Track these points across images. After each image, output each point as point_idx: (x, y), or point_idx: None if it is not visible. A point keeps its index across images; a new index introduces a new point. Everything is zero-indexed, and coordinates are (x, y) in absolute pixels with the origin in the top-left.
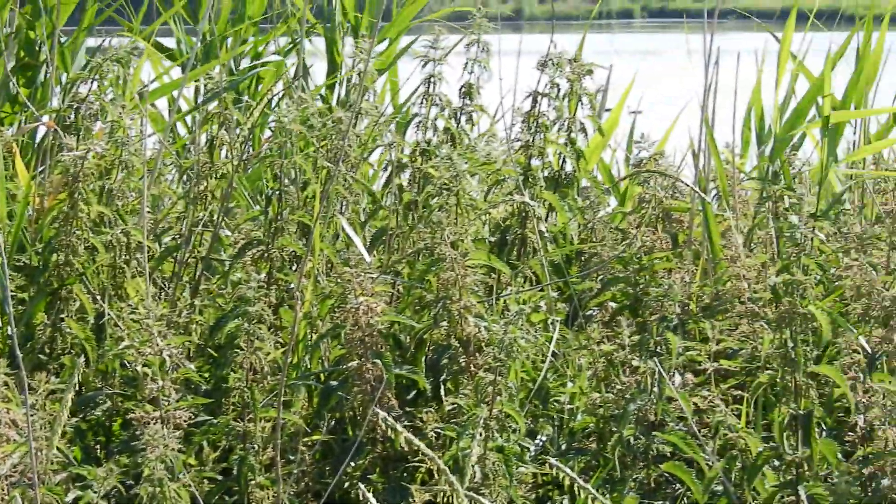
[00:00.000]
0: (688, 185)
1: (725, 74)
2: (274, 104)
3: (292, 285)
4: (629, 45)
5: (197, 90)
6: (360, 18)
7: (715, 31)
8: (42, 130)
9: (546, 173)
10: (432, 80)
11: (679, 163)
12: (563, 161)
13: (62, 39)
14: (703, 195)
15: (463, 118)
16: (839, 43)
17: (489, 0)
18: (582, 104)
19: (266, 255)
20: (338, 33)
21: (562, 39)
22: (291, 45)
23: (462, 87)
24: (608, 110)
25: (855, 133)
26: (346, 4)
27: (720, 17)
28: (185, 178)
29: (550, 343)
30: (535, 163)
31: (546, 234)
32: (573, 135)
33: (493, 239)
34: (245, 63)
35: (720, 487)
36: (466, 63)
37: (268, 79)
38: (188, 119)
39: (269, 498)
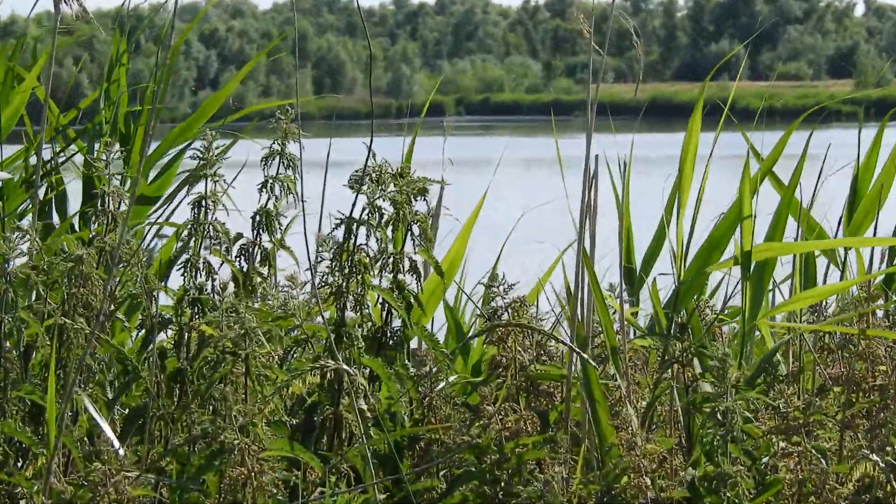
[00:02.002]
0: (562, 343)
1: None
2: None
3: (18, 490)
4: (452, 151)
5: None
6: (131, 125)
7: (592, 132)
8: None
9: (366, 330)
10: (203, 203)
11: (547, 311)
12: (389, 313)
13: None
14: (584, 356)
15: (257, 256)
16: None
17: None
18: (412, 234)
19: None
20: (99, 146)
21: (347, 144)
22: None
23: (257, 214)
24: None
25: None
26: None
27: (563, 115)
28: None
29: None
30: (350, 315)
31: (368, 414)
32: (402, 276)
33: (295, 421)
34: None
35: None
36: (266, 183)
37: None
38: None
39: None
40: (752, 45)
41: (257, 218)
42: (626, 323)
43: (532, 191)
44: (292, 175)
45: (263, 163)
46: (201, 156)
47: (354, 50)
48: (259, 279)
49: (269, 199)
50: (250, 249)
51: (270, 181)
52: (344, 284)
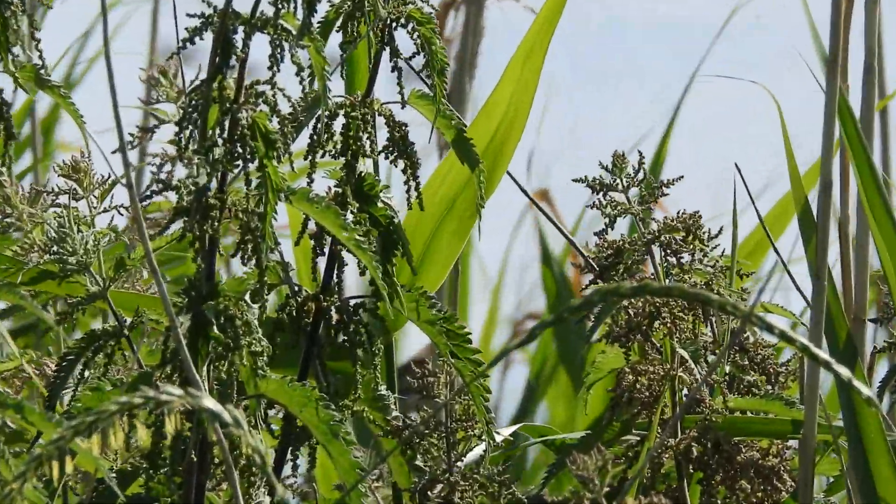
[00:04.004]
0: (784, 338)
1: None
2: None
3: None
4: None
5: None
6: None
7: None
8: None
9: (276, 305)
10: None
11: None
12: (336, 261)
13: None
14: (842, 372)
15: None
16: None
17: None
18: (395, 54)
19: None
20: None
21: None
22: None
23: None
24: None
25: None
26: None
27: None
28: None
29: None
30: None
31: None
32: (364, 164)
33: None
34: None
35: None
36: None
37: None
38: None
39: None
40: None
41: None
42: None
43: None
44: None
45: None
46: None
47: None
48: None
49: None
50: None
51: None
52: (213, 186)
